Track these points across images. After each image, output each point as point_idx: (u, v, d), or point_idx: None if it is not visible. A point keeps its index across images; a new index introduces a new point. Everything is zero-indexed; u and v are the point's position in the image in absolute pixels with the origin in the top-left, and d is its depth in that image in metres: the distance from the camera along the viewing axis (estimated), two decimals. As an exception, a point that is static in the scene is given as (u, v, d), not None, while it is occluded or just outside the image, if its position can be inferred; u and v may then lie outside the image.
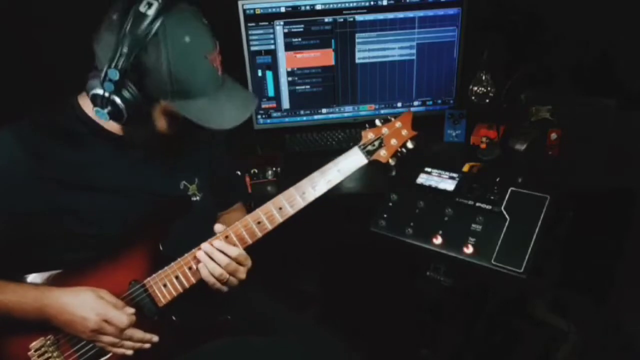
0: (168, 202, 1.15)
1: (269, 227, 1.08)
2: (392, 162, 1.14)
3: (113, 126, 1.06)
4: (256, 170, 1.60)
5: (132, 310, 1.04)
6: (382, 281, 1.91)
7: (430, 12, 1.80)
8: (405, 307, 1.61)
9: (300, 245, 1.83)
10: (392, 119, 1.15)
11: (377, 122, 1.14)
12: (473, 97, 1.73)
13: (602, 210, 1.77)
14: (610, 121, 1.71)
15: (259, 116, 1.91)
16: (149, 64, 0.93)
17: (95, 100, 0.96)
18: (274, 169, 1.60)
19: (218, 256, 1.04)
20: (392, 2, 1.78)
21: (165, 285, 1.07)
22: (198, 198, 1.22)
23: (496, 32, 1.86)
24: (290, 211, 1.08)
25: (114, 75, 0.91)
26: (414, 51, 1.85)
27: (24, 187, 0.99)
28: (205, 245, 1.05)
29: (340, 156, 1.11)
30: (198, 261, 1.06)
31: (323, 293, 2.12)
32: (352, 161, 1.11)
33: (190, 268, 1.07)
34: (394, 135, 1.13)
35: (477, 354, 1.68)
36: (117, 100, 0.94)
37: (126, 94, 0.94)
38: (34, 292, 1.01)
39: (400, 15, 1.80)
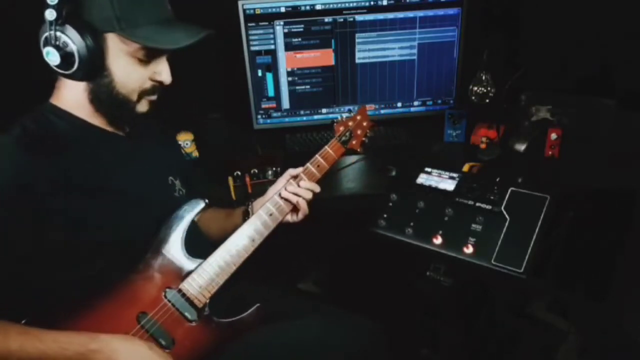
0: (165, 199, 1.15)
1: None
2: (360, 150, 1.35)
3: (96, 118, 1.06)
4: (256, 170, 1.60)
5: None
6: (382, 281, 1.91)
7: (430, 12, 1.80)
8: (405, 307, 1.61)
9: (301, 245, 1.83)
10: (352, 114, 1.35)
11: (344, 115, 1.34)
12: (473, 97, 1.73)
13: (602, 210, 1.77)
14: (610, 121, 1.71)
15: (259, 116, 1.91)
16: None
17: (45, 45, 0.95)
18: (274, 169, 1.60)
19: (306, 192, 1.21)
20: (392, 2, 1.78)
21: (200, 287, 1.08)
22: (183, 193, 1.23)
23: (496, 32, 1.87)
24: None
25: (51, 15, 0.91)
26: (414, 51, 1.85)
27: (34, 197, 0.93)
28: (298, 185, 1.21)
29: (322, 148, 1.28)
30: (229, 256, 1.11)
31: (323, 293, 2.12)
32: (334, 151, 1.29)
33: (219, 266, 1.10)
34: (358, 127, 1.34)
35: (477, 354, 1.68)
36: (64, 37, 0.93)
37: (70, 30, 0.93)
38: (79, 337, 0.93)
39: (400, 15, 1.80)
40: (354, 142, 1.33)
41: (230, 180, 1.57)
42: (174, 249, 1.09)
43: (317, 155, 1.26)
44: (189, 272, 1.08)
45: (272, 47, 1.81)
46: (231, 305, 1.13)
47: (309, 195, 1.22)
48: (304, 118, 1.94)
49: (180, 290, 1.07)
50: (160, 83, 1.06)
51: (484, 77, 1.70)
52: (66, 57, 0.95)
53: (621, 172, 1.60)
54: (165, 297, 1.06)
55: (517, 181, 1.31)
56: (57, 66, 0.96)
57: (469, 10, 1.80)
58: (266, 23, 1.77)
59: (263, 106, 1.90)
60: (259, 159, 1.71)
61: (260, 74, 1.85)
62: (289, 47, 1.81)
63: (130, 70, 1.01)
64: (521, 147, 1.71)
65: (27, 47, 1.61)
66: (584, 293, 1.97)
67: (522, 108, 1.78)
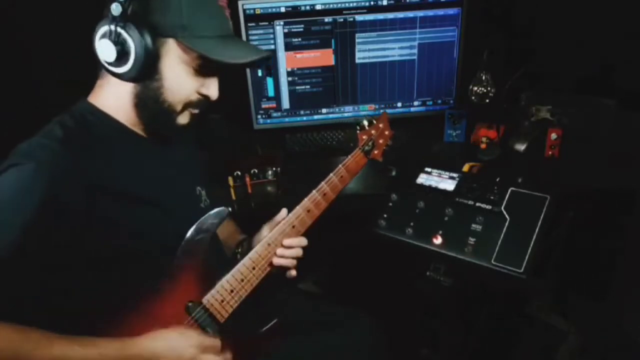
0: (192, 211, 1.12)
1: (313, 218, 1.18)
2: (382, 159, 1.32)
3: (134, 124, 1.04)
4: (256, 170, 1.60)
5: (217, 338, 1.03)
6: (382, 281, 1.91)
7: (430, 12, 1.80)
8: (405, 307, 1.61)
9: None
10: (375, 122, 1.31)
11: (365, 123, 1.30)
12: (473, 97, 1.73)
13: (602, 210, 1.77)
14: (610, 121, 1.71)
15: (259, 116, 1.91)
16: None
17: (102, 39, 0.93)
18: (274, 169, 1.60)
19: (296, 251, 1.14)
20: (392, 2, 1.78)
21: (222, 301, 1.06)
22: (208, 204, 1.21)
23: (496, 32, 1.86)
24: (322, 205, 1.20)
25: (116, 10, 0.90)
26: (414, 51, 1.85)
27: (72, 198, 0.90)
28: (283, 245, 1.13)
29: (346, 159, 1.24)
30: (252, 269, 1.09)
31: (323, 293, 2.12)
32: (356, 162, 1.25)
33: (242, 280, 1.08)
34: (380, 135, 1.31)
35: (477, 354, 1.68)
36: (124, 34, 0.91)
37: (132, 29, 0.91)
38: (116, 343, 0.92)
39: (400, 15, 1.80)
40: (375, 151, 1.30)
41: (230, 180, 1.57)
42: (197, 261, 1.06)
43: (340, 166, 1.22)
44: (212, 285, 1.06)
45: (272, 47, 1.81)
46: (246, 315, 1.11)
47: (300, 253, 1.15)
48: (304, 118, 1.94)
49: (202, 305, 1.04)
50: (207, 98, 1.04)
51: (484, 77, 1.70)
52: (122, 55, 0.93)
53: (621, 172, 1.60)
54: (188, 311, 1.03)
55: (517, 181, 1.30)
56: (110, 63, 0.94)
57: (469, 10, 1.80)
58: (266, 23, 1.77)
59: (263, 106, 1.90)
60: (259, 159, 1.71)
61: (260, 74, 1.85)
62: (289, 47, 1.81)
63: (182, 79, 0.99)
64: (521, 147, 1.71)
65: (27, 47, 1.61)
66: (584, 293, 1.97)
67: (522, 108, 1.78)
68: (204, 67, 1.00)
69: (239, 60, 0.99)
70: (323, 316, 1.30)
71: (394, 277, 1.80)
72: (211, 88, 1.04)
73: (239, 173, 1.59)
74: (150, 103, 1.00)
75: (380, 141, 1.31)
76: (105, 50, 0.93)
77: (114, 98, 1.02)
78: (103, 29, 0.93)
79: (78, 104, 1.03)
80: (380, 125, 1.31)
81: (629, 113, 1.72)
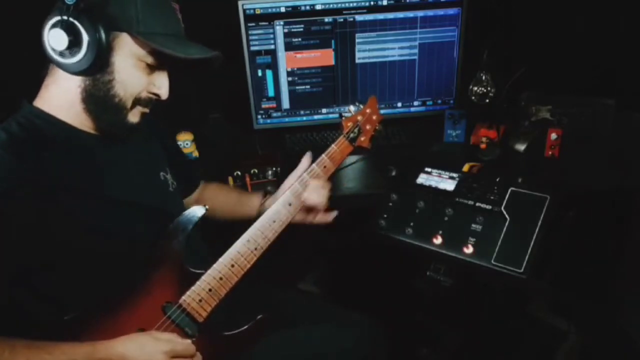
0: (161, 198, 1.12)
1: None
2: (370, 146, 1.27)
3: (83, 121, 1.02)
4: (256, 170, 1.60)
5: (189, 340, 1.01)
6: (382, 281, 1.91)
7: (430, 12, 1.80)
8: (405, 307, 1.61)
9: (300, 245, 1.83)
10: (362, 107, 1.26)
11: (352, 108, 1.26)
12: (473, 97, 1.73)
13: (602, 210, 1.77)
14: (610, 121, 1.71)
15: (259, 116, 1.91)
16: None
17: (53, 28, 0.91)
18: (274, 169, 1.60)
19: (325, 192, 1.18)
20: (392, 2, 1.78)
21: (200, 301, 1.03)
22: (175, 185, 1.22)
23: (496, 32, 1.86)
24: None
25: None
26: (414, 51, 1.85)
27: (20, 202, 0.89)
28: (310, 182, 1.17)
29: (329, 147, 1.21)
30: (231, 267, 1.08)
31: (323, 293, 2.12)
32: (341, 150, 1.22)
33: (220, 278, 1.06)
34: (368, 121, 1.26)
35: (477, 353, 1.68)
36: (77, 24, 0.90)
37: (86, 19, 0.90)
38: (85, 348, 0.91)
39: (400, 15, 1.80)
40: (362, 138, 1.25)
41: (231, 180, 1.57)
42: (174, 260, 1.05)
43: (323, 155, 1.19)
44: (189, 285, 1.04)
45: (272, 47, 1.81)
46: (232, 313, 1.10)
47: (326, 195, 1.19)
48: (304, 118, 1.94)
49: (180, 305, 1.03)
50: (157, 97, 1.04)
51: (484, 77, 1.70)
52: (74, 44, 0.92)
53: (621, 172, 1.60)
54: (165, 312, 1.02)
55: (517, 181, 1.31)
56: (62, 53, 0.93)
57: (469, 10, 1.80)
58: (266, 23, 1.77)
59: (263, 106, 1.90)
60: (259, 159, 1.71)
61: (260, 74, 1.85)
62: (289, 47, 1.81)
63: (133, 73, 0.99)
64: (521, 147, 1.71)
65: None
66: (584, 293, 1.97)
67: (522, 108, 1.79)
68: (156, 63, 1.00)
69: (192, 56, 0.99)
70: (323, 316, 1.30)
71: (394, 277, 1.80)
72: (162, 88, 1.04)
73: (239, 173, 1.59)
74: (100, 96, 0.98)
75: (368, 127, 1.25)
76: (56, 39, 0.92)
77: (61, 96, 1.00)
78: (54, 19, 0.92)
79: (22, 109, 1.01)
80: (368, 110, 1.25)
81: (629, 113, 1.72)
